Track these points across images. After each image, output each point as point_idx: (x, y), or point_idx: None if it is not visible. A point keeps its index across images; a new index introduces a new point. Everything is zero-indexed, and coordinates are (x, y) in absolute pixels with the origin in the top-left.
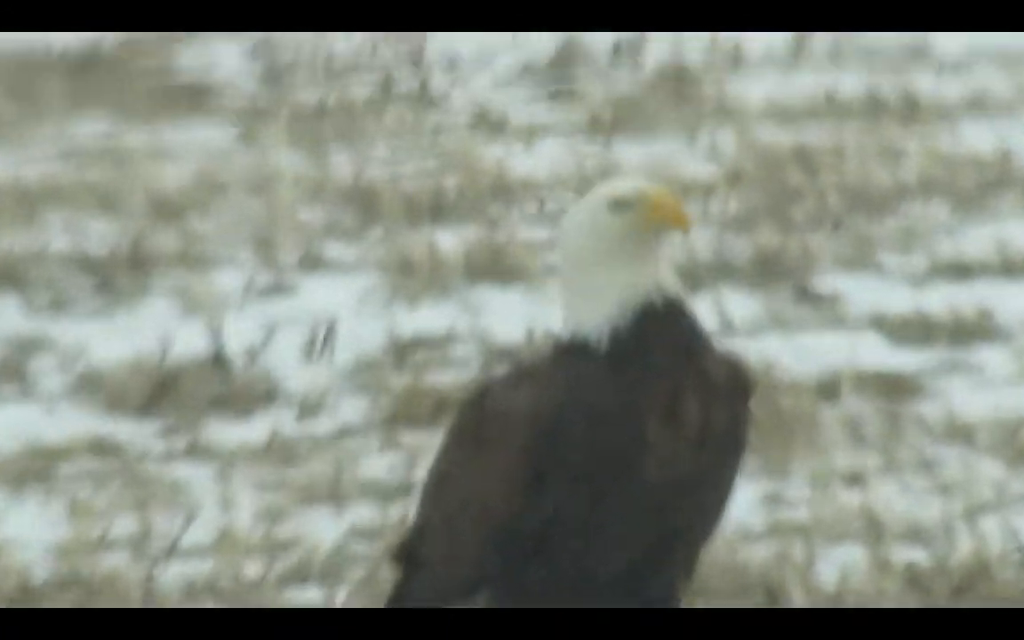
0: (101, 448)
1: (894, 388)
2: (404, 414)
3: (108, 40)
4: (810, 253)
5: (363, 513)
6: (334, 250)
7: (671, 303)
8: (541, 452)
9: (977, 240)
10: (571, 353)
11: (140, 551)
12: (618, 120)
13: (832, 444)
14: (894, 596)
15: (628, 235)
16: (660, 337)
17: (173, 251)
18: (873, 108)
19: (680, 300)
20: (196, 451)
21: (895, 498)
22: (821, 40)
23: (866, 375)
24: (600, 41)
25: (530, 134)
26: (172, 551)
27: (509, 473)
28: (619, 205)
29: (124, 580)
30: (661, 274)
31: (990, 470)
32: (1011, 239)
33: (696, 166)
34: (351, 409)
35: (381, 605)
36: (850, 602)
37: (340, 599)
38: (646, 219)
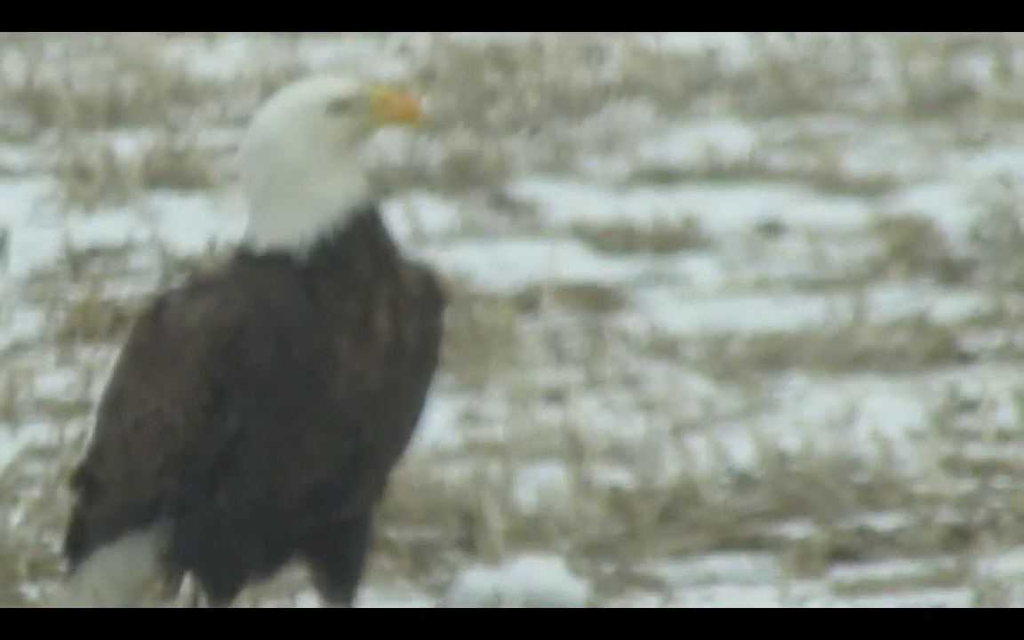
0: None
1: (596, 300)
2: (80, 328)
3: None
4: (507, 158)
5: (38, 432)
6: (5, 155)
7: (370, 212)
8: (222, 367)
9: (683, 144)
10: (258, 264)
11: None
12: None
13: (531, 359)
14: (598, 518)
15: (346, 139)
16: (359, 248)
17: None
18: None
19: (377, 209)
20: None
21: (597, 416)
22: None
23: (566, 286)
24: None
25: (211, 34)
26: None
27: (187, 390)
28: (338, 107)
29: None
30: (359, 181)
31: (697, 386)
32: (718, 143)
33: (386, 66)
34: (25, 322)
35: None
36: (550, 526)
37: (15, 522)
38: (372, 118)
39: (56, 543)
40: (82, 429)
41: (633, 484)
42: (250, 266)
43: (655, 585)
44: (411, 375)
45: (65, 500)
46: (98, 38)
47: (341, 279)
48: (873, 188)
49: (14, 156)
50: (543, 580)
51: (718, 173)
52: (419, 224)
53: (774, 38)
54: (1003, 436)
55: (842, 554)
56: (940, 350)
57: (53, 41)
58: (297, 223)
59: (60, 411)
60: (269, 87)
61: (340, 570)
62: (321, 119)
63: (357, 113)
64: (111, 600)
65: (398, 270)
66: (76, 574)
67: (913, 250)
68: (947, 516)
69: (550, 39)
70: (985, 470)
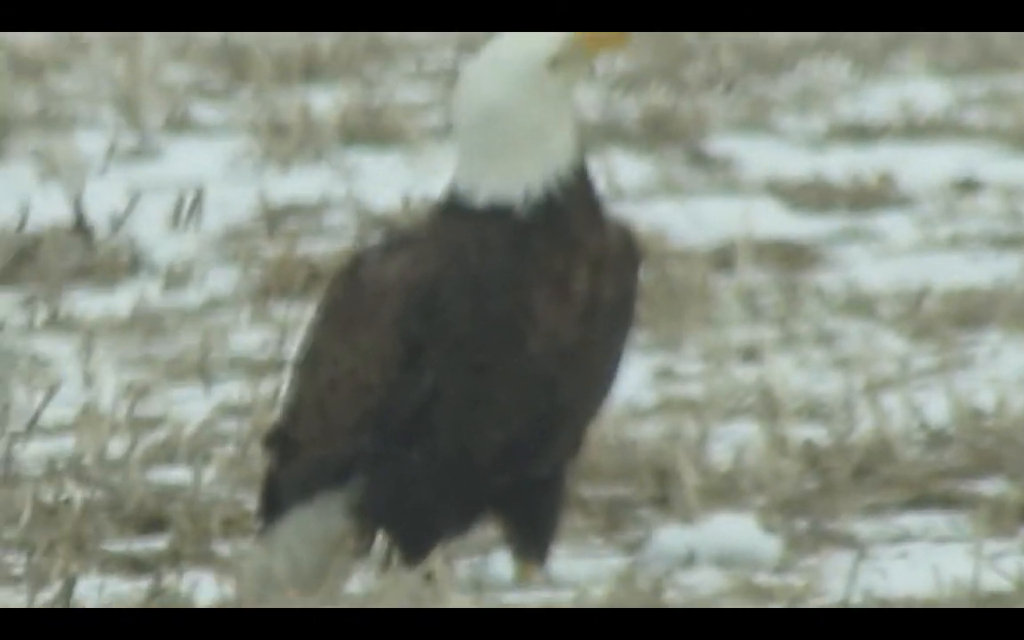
0: None
1: (791, 257)
2: (275, 285)
3: None
4: (703, 115)
5: (232, 390)
6: (201, 112)
7: (580, 169)
8: (417, 324)
9: (879, 101)
10: (474, 218)
11: None
12: None
13: (726, 316)
14: (791, 475)
15: (567, 91)
16: (576, 204)
17: (32, 112)
18: None
19: (584, 166)
20: (57, 323)
21: (792, 373)
22: None
23: (762, 244)
24: None
25: None
26: (32, 427)
27: (383, 348)
28: (556, 61)
29: None
30: (576, 136)
31: (892, 344)
32: (914, 99)
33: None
34: (220, 280)
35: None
36: (744, 483)
37: (208, 479)
38: (588, 60)
39: (249, 501)
40: (276, 387)
41: (827, 441)
42: (460, 221)
43: (848, 541)
44: (607, 332)
45: (258, 458)
46: None
47: (555, 235)
48: None
49: (210, 113)
50: (736, 537)
51: (914, 129)
52: (615, 180)
53: None
54: None
55: None
56: None
57: None
58: (523, 177)
59: (254, 369)
60: (466, 44)
61: (533, 528)
62: (544, 75)
63: (574, 61)
64: (304, 558)
65: (602, 228)
66: (269, 532)
67: None
68: None
69: None
70: None
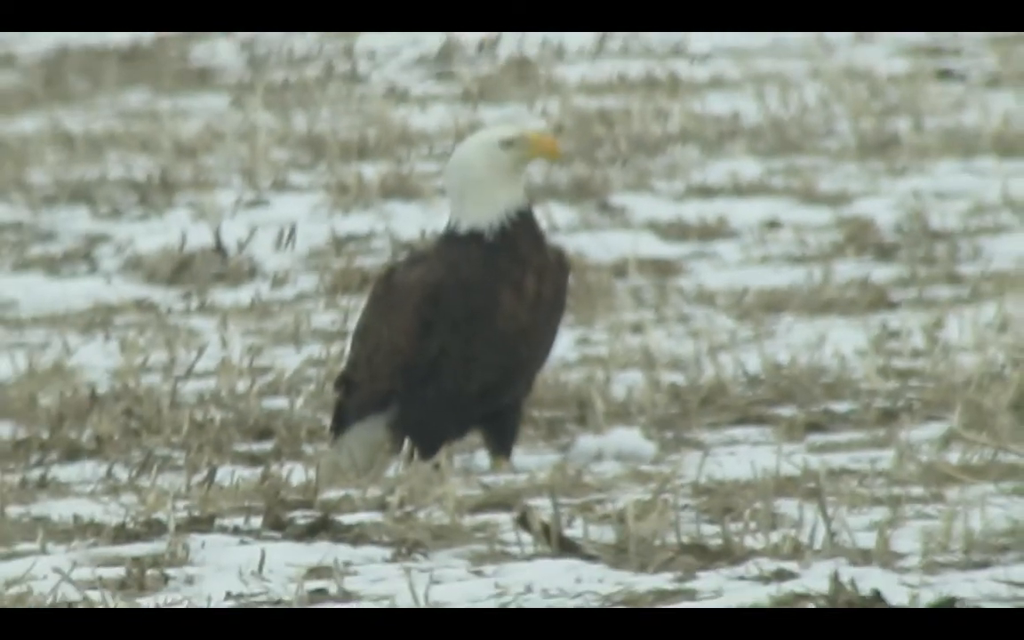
0: (142, 307)
1: (662, 269)
2: (341, 286)
3: (147, 37)
4: (608, 180)
5: (314, 350)
6: (295, 178)
7: (528, 211)
8: (429, 310)
9: (717, 172)
10: (460, 242)
11: (168, 374)
12: (482, 93)
13: (622, 305)
14: (662, 404)
15: (512, 165)
16: (522, 232)
17: (188, 178)
18: (649, 84)
19: (530, 209)
20: (204, 309)
21: (663, 341)
22: (615, 38)
23: (644, 260)
24: (469, 39)
25: (424, 102)
26: (188, 374)
27: (407, 325)
28: (507, 144)
29: (157, 392)
30: (521, 191)
31: (725, 323)
32: (740, 171)
33: (533, 123)
34: (306, 282)
35: (325, 410)
36: (633, 408)
37: (298, 405)
38: (528, 151)
39: (325, 419)
40: (341, 349)
41: (684, 383)
42: (452, 244)
43: (697, 445)
44: (547, 316)
45: (331, 393)
46: (352, 104)
47: (510, 253)
48: None
49: (300, 178)
50: (628, 443)
51: (740, 190)
52: (553, 220)
53: None
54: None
55: (815, 427)
56: None
57: (324, 106)
58: (486, 215)
59: (327, 337)
60: (460, 134)
61: (502, 436)
62: (497, 151)
63: (519, 148)
64: (359, 455)
65: (544, 249)
66: (337, 440)
67: None
68: (880, 403)
69: (634, 105)
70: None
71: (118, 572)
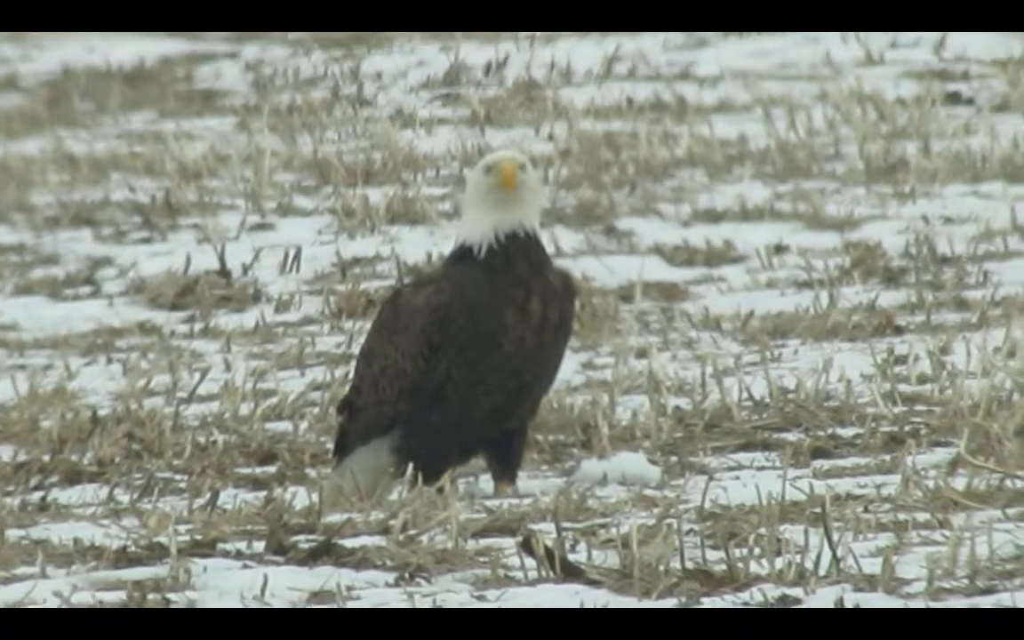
0: (145, 329)
1: (668, 293)
2: (345, 308)
3: (151, 59)
4: (614, 204)
5: (318, 374)
6: (300, 201)
7: (527, 234)
8: (435, 333)
9: (724, 196)
10: (457, 264)
11: (170, 397)
12: (489, 116)
13: (627, 329)
14: (667, 428)
15: (489, 189)
16: (518, 254)
17: (193, 201)
18: (657, 108)
19: (534, 232)
20: (208, 332)
21: (669, 365)
22: (622, 63)
23: (650, 284)
24: (477, 61)
25: (430, 125)
26: (191, 397)
27: (414, 348)
28: (487, 169)
29: (159, 415)
30: (524, 215)
31: (730, 346)
32: (746, 195)
33: (539, 147)
34: (310, 306)
35: (329, 434)
36: (638, 432)
37: (303, 429)
38: (494, 179)
39: (328, 443)
40: (346, 373)
41: (689, 407)
42: (459, 268)
43: (702, 469)
44: (553, 340)
45: (334, 417)
46: (359, 127)
47: (509, 275)
48: None
49: (305, 201)
50: (632, 467)
51: (747, 214)
52: (560, 244)
53: None
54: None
55: (820, 452)
56: None
57: (330, 128)
58: (476, 234)
59: (331, 361)
60: (467, 159)
61: (506, 460)
62: (480, 176)
63: (492, 173)
64: (363, 480)
65: (547, 272)
66: (340, 464)
67: None
68: (886, 429)
69: (641, 129)
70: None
71: (119, 596)
